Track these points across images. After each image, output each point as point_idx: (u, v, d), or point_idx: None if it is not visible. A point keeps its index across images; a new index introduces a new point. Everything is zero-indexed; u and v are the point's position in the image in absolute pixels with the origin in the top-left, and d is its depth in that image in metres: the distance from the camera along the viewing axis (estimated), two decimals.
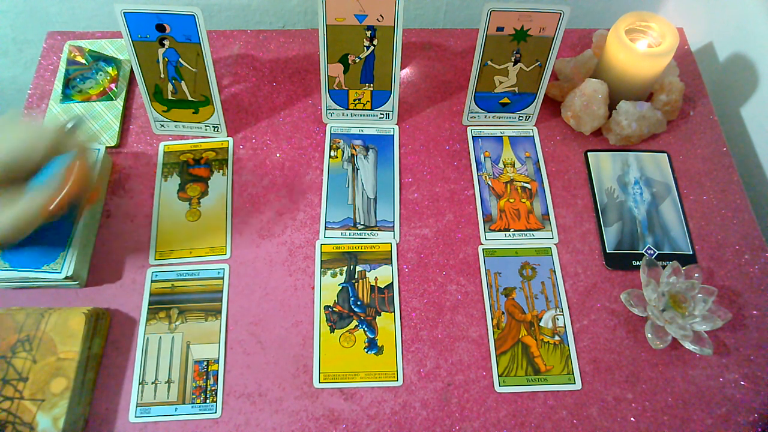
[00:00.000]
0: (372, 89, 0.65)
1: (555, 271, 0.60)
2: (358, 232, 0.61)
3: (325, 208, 0.63)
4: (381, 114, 0.67)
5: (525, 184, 0.65)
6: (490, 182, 0.65)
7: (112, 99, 0.67)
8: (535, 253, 0.61)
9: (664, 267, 0.57)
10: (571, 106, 0.66)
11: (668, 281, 0.56)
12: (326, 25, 0.59)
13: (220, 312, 0.57)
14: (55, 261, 0.55)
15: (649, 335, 0.55)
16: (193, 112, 0.65)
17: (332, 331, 0.56)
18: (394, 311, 0.58)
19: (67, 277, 0.54)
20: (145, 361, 0.54)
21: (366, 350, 0.56)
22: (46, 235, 0.56)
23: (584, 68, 0.69)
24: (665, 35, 0.62)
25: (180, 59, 0.60)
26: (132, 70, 0.70)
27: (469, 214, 0.63)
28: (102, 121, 0.66)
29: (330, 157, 0.66)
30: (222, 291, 0.58)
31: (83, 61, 0.68)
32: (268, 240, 0.61)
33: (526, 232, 0.62)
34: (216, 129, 0.66)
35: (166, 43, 0.59)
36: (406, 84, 0.72)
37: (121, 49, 0.71)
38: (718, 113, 0.72)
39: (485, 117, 0.68)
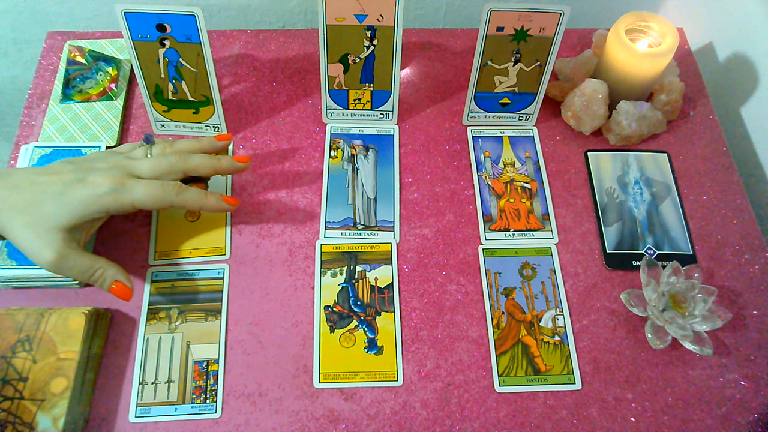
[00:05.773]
0: (372, 89, 0.65)
1: (555, 271, 0.60)
2: (358, 232, 0.61)
3: (325, 208, 0.63)
4: (381, 114, 0.67)
5: (525, 184, 0.65)
6: (490, 182, 0.65)
7: (112, 99, 0.67)
8: (535, 253, 0.61)
9: (664, 267, 0.57)
10: (571, 106, 0.66)
11: (668, 281, 0.56)
12: (326, 25, 0.59)
13: (220, 312, 0.57)
14: None
15: (649, 335, 0.55)
16: (194, 112, 0.65)
17: (332, 331, 0.56)
18: (394, 311, 0.58)
19: None
20: (145, 361, 0.54)
21: (366, 350, 0.56)
22: None
23: (584, 68, 0.69)
24: (665, 35, 0.62)
25: (180, 59, 0.60)
26: (132, 70, 0.70)
27: (469, 214, 0.63)
28: (102, 121, 0.66)
29: (330, 157, 0.66)
30: (222, 291, 0.58)
31: (83, 61, 0.68)
32: (268, 240, 0.61)
33: (526, 232, 0.62)
34: (216, 129, 0.66)
35: (167, 43, 0.59)
36: (406, 84, 0.72)
37: (121, 49, 0.71)
38: (718, 113, 0.72)
39: (485, 117, 0.68)
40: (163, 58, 0.60)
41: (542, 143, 0.68)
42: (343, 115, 0.68)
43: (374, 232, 0.61)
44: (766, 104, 0.68)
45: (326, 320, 0.57)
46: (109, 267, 0.51)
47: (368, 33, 0.60)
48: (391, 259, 0.60)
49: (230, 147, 0.66)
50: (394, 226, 0.62)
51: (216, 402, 0.53)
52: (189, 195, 0.52)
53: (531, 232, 0.62)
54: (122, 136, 0.66)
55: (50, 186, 0.48)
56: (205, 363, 0.55)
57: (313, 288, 0.58)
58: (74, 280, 0.56)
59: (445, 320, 0.57)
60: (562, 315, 0.58)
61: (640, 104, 0.65)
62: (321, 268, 0.59)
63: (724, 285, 0.60)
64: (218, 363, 0.54)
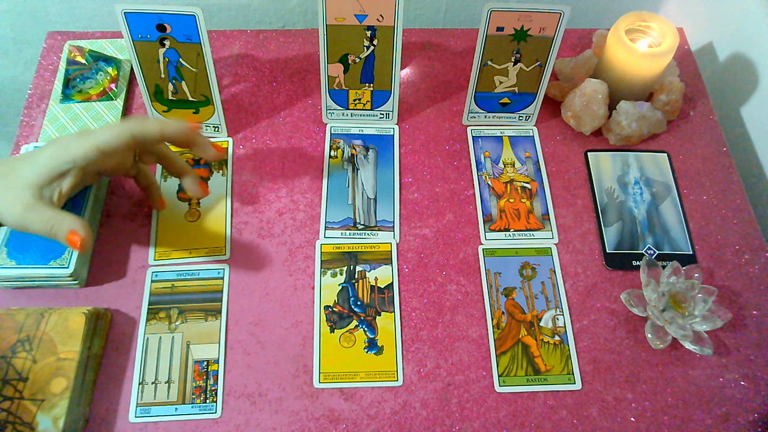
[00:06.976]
0: (372, 89, 0.65)
1: (555, 271, 0.60)
2: (358, 232, 0.61)
3: (325, 208, 0.63)
4: (381, 114, 0.67)
5: (525, 184, 0.65)
6: (490, 182, 0.65)
7: (112, 99, 0.67)
8: (535, 253, 0.61)
9: (664, 267, 0.57)
10: (571, 106, 0.66)
11: (668, 281, 0.56)
12: (326, 25, 0.59)
13: (220, 312, 0.57)
14: (62, 257, 0.55)
15: (649, 335, 0.55)
16: (194, 112, 0.65)
17: (332, 331, 0.56)
18: (394, 311, 0.58)
19: (70, 274, 0.54)
20: (145, 361, 0.54)
21: (366, 350, 0.56)
22: None
23: (584, 68, 0.69)
24: (665, 35, 0.62)
25: (180, 59, 0.60)
26: (132, 70, 0.70)
27: (469, 214, 0.63)
28: (102, 121, 0.66)
29: (330, 157, 0.66)
30: (222, 291, 0.58)
31: (83, 61, 0.68)
32: (268, 240, 0.61)
33: (526, 232, 0.62)
34: (216, 129, 0.66)
35: (167, 43, 0.59)
36: (406, 84, 0.72)
37: (121, 49, 0.71)
38: (718, 113, 0.72)
39: (485, 117, 0.68)
40: (163, 58, 0.60)
41: (542, 143, 0.68)
42: (343, 115, 0.68)
43: (374, 232, 0.61)
44: (766, 104, 0.68)
45: (326, 320, 0.57)
46: (66, 218, 0.49)
47: (368, 33, 0.60)
48: (391, 259, 0.60)
49: (230, 147, 0.66)
50: (394, 226, 0.62)
51: (216, 402, 0.53)
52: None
53: (531, 232, 0.62)
54: None
55: (29, 154, 0.50)
56: (205, 363, 0.55)
57: (313, 288, 0.58)
58: (74, 280, 0.56)
59: (445, 320, 0.57)
60: (562, 315, 0.58)
61: (640, 104, 0.65)
62: (321, 268, 0.59)
63: (724, 285, 0.60)
64: (218, 363, 0.54)
